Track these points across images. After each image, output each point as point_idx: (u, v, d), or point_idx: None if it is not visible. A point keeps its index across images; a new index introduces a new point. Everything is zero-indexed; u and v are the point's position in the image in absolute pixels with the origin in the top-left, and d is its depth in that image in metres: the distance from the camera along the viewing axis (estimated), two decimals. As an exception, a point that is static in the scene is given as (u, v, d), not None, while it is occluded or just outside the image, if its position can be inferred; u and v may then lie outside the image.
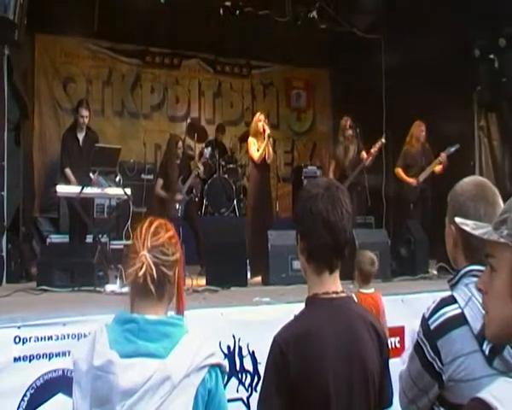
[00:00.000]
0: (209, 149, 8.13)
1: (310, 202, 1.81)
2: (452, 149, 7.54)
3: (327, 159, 10.44)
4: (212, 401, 1.68)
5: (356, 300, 3.89)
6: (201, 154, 8.82)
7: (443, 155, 7.53)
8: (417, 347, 1.76)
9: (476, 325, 1.64)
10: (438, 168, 7.62)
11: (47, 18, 8.39)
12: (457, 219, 1.31)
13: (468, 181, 1.90)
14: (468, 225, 1.25)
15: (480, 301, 1.63)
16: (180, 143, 7.74)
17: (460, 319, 1.68)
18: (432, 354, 1.70)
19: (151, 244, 1.71)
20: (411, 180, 7.78)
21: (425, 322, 1.74)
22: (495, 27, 7.87)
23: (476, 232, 1.21)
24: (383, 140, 7.32)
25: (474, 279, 1.70)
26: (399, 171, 7.95)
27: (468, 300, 1.70)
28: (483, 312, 1.61)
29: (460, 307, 1.70)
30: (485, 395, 1.02)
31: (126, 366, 1.60)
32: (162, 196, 7.51)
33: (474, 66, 8.28)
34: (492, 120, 8.32)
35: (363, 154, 7.36)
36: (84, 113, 7.26)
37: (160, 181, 7.59)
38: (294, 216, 1.90)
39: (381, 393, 1.83)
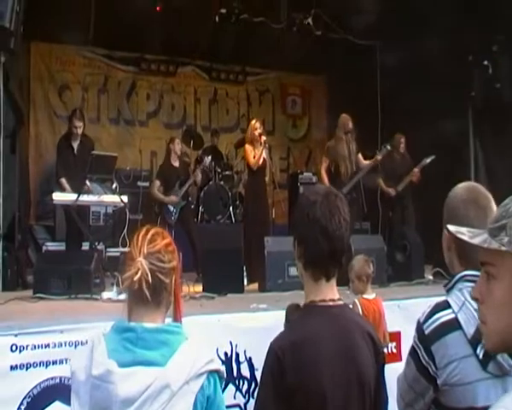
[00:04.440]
0: (209, 157, 8.16)
1: (308, 209, 1.82)
2: (428, 161, 7.85)
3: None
4: (211, 408, 1.69)
5: (360, 307, 3.91)
6: (199, 161, 8.84)
7: (415, 170, 7.93)
8: (413, 351, 1.77)
9: (470, 329, 1.65)
10: (414, 179, 8.04)
11: (42, 26, 8.40)
12: (452, 228, 1.27)
13: (461, 186, 1.93)
14: (464, 233, 1.20)
15: (474, 306, 1.65)
16: (179, 141, 7.80)
17: (454, 324, 1.69)
18: (426, 359, 1.72)
19: (147, 251, 1.72)
20: (390, 190, 8.16)
21: (420, 327, 1.76)
22: (489, 33, 7.92)
23: (474, 241, 1.16)
24: (389, 147, 7.33)
25: (468, 284, 1.72)
26: (380, 181, 8.27)
27: (462, 305, 1.71)
28: (476, 317, 1.63)
29: (454, 311, 1.72)
30: None
31: (125, 375, 1.60)
32: (158, 197, 7.54)
33: (468, 71, 8.32)
34: (487, 125, 8.36)
35: (368, 161, 7.22)
36: (78, 123, 7.21)
37: (157, 182, 7.63)
38: (292, 222, 1.91)
39: (376, 400, 1.84)
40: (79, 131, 7.24)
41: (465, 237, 1.20)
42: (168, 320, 1.80)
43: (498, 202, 1.78)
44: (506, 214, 1.13)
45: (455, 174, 7.98)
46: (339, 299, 1.86)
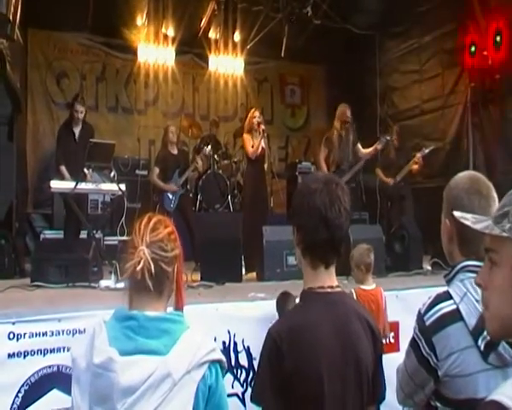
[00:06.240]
0: (209, 146, 8.15)
1: (308, 197, 1.81)
2: (427, 151, 7.87)
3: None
4: (213, 397, 1.67)
5: (355, 296, 3.90)
6: (198, 150, 8.82)
7: (418, 156, 7.89)
8: (413, 342, 1.77)
9: (471, 320, 1.65)
10: (414, 167, 8.00)
11: (40, 12, 8.35)
12: (456, 213, 1.28)
13: (462, 175, 1.92)
14: (467, 219, 1.23)
15: (476, 296, 1.64)
16: (173, 129, 7.76)
17: (455, 315, 1.69)
18: (427, 350, 1.71)
19: (150, 240, 1.69)
20: (388, 180, 8.16)
21: (420, 318, 1.75)
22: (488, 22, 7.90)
23: (477, 226, 1.19)
24: (388, 137, 7.36)
25: (470, 275, 1.71)
26: (378, 171, 8.30)
27: (464, 295, 1.70)
28: (478, 307, 1.62)
29: (455, 302, 1.71)
30: (500, 397, 0.99)
31: (127, 363, 1.58)
32: (157, 184, 7.53)
33: (467, 62, 8.31)
34: (486, 117, 8.35)
35: (368, 150, 7.25)
36: (80, 108, 7.27)
37: (156, 170, 7.62)
38: (292, 208, 1.90)
39: (374, 387, 1.84)
40: (81, 115, 7.28)
41: (468, 223, 1.22)
42: (170, 309, 1.79)
43: (497, 193, 1.78)
44: (510, 202, 1.15)
45: (453, 165, 8.00)
46: (337, 286, 1.86)
